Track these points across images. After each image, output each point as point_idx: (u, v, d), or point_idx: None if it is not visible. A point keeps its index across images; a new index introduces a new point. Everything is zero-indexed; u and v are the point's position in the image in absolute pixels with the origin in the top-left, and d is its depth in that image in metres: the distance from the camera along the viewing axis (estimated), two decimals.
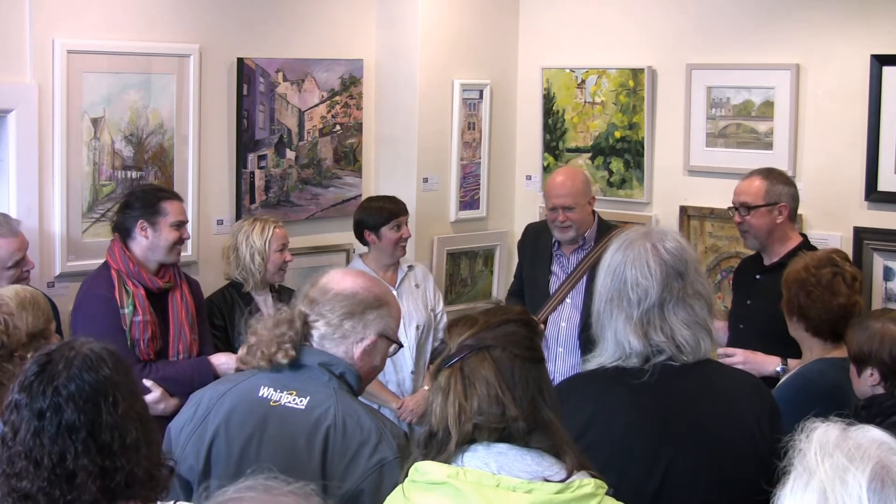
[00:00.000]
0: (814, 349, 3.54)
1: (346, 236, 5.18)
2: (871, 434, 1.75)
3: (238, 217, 4.98)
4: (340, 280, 2.77)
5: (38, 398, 2.01)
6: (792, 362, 3.85)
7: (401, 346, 2.87)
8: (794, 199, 4.30)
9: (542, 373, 2.19)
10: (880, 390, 3.10)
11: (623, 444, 2.49)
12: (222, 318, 4.49)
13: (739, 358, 3.88)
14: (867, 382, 3.13)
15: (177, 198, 4.31)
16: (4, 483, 2.01)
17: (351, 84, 5.42)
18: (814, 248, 4.20)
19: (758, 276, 4.33)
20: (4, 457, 2.02)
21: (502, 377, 2.10)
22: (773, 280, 4.07)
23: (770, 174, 4.33)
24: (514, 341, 2.15)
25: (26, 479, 1.99)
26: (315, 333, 2.72)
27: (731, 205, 4.37)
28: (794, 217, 4.31)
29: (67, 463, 1.98)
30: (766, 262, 4.31)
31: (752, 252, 4.47)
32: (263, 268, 4.52)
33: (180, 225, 4.21)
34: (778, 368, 3.87)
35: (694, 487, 2.50)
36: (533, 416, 2.10)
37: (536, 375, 2.15)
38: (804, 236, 4.39)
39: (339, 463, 2.59)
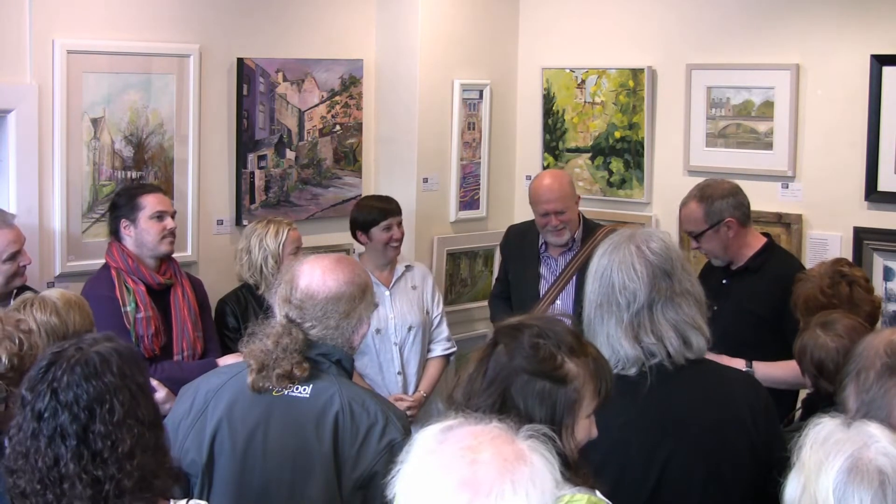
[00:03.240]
0: None
1: (346, 236, 5.17)
2: (865, 429, 1.78)
3: (238, 217, 4.98)
4: (322, 281, 2.79)
5: (39, 399, 2.03)
6: (758, 364, 3.84)
7: (377, 305, 2.96)
8: (740, 206, 4.15)
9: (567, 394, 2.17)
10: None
11: (620, 444, 2.50)
12: (236, 319, 4.45)
13: None
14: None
15: (155, 190, 4.33)
16: (8, 476, 2.04)
17: (351, 84, 5.42)
18: (779, 248, 4.24)
19: (724, 281, 4.22)
20: (9, 450, 2.05)
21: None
22: (739, 284, 4.07)
23: (704, 193, 4.17)
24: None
25: (23, 478, 2.01)
26: (312, 332, 2.78)
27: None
28: (746, 222, 4.18)
29: (60, 467, 1.99)
30: (733, 266, 4.22)
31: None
32: (277, 270, 4.36)
33: (161, 216, 4.20)
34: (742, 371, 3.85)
35: (690, 484, 2.54)
36: None
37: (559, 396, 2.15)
38: (767, 235, 4.33)
39: (350, 447, 2.67)
